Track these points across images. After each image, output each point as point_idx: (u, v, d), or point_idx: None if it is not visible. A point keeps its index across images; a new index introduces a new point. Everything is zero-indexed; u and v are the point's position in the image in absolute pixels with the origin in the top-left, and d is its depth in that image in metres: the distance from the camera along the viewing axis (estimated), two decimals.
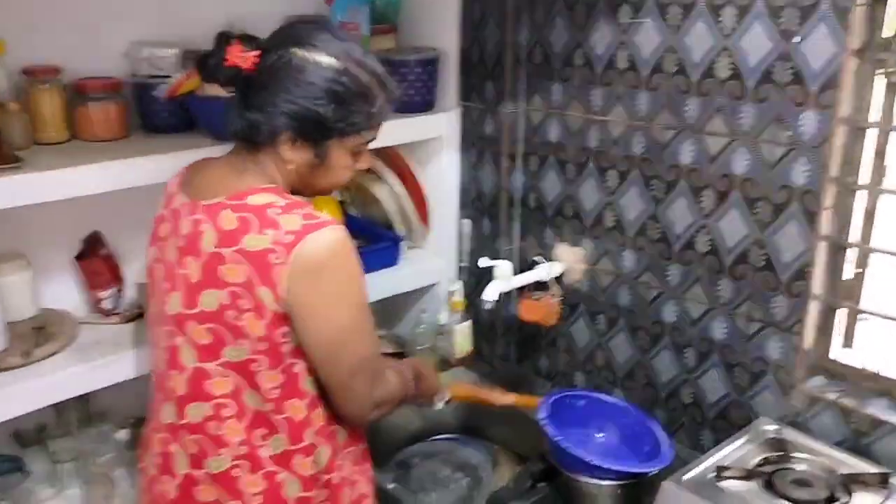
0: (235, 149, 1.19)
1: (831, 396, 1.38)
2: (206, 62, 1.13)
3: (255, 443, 1.15)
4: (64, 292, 1.64)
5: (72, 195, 1.38)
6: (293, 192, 1.19)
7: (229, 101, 1.46)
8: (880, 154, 1.34)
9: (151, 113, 1.60)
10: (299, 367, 1.14)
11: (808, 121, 1.31)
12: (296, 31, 1.14)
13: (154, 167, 1.45)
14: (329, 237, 1.08)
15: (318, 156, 1.15)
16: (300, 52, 1.10)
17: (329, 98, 1.10)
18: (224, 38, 1.12)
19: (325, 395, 1.19)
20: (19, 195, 1.32)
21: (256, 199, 1.10)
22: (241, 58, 1.10)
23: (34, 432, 1.61)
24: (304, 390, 1.15)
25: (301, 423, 1.16)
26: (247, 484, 1.15)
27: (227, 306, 1.08)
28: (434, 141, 1.88)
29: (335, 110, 1.11)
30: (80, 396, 1.57)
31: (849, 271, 1.39)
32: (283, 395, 1.14)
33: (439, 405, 1.47)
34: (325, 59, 1.10)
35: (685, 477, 1.27)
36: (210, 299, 1.09)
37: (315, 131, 1.12)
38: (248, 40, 1.12)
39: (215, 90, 1.48)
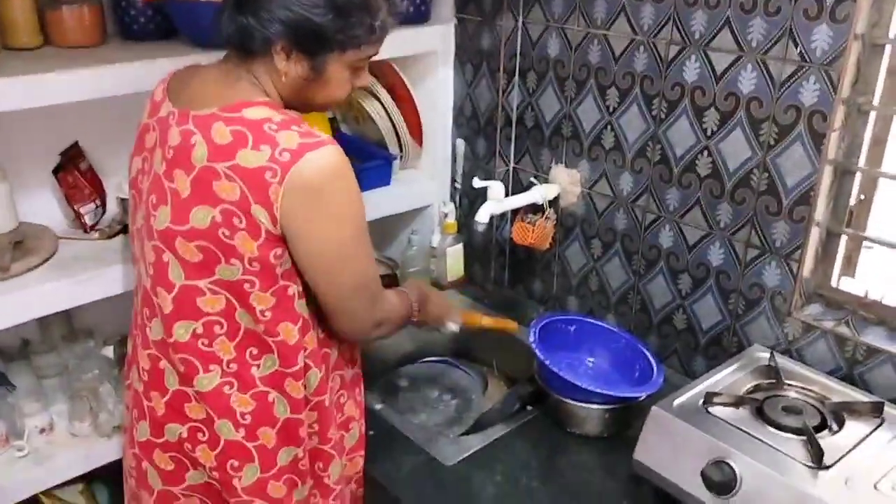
0: (227, 56, 1.12)
1: (827, 324, 1.35)
2: None
3: (246, 361, 1.13)
4: (43, 206, 1.59)
5: (46, 103, 1.32)
6: (287, 107, 1.13)
7: (217, 4, 1.40)
8: (894, 73, 1.27)
9: (128, 18, 1.52)
10: (293, 289, 1.11)
11: (821, 36, 1.24)
12: None
13: (133, 75, 1.39)
14: (327, 157, 1.03)
15: (315, 69, 1.08)
16: None
17: (328, 6, 1.04)
18: None
19: (319, 316, 1.17)
20: None
21: (252, 113, 1.04)
22: None
23: (18, 348, 1.59)
24: (297, 313, 1.13)
25: (293, 347, 1.13)
26: (236, 402, 1.14)
27: (219, 224, 1.04)
28: (429, 55, 1.80)
29: (334, 20, 1.04)
30: (64, 312, 1.55)
31: (854, 197, 1.34)
32: (274, 318, 1.11)
33: (453, 328, 1.45)
34: None
35: (675, 402, 1.25)
36: (201, 216, 1.05)
37: (312, 42, 1.06)
38: None
39: None
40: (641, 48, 1.48)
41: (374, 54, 1.14)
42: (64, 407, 1.59)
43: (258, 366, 1.13)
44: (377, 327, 1.22)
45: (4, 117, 1.30)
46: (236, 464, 1.17)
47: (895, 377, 1.28)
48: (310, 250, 1.08)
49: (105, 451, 1.55)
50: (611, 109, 1.57)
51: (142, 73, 1.39)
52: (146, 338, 1.18)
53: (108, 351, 1.69)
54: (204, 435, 1.16)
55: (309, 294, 1.14)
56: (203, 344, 1.12)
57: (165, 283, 1.11)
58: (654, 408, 1.25)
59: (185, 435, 1.16)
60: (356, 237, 1.11)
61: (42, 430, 1.53)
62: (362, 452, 1.34)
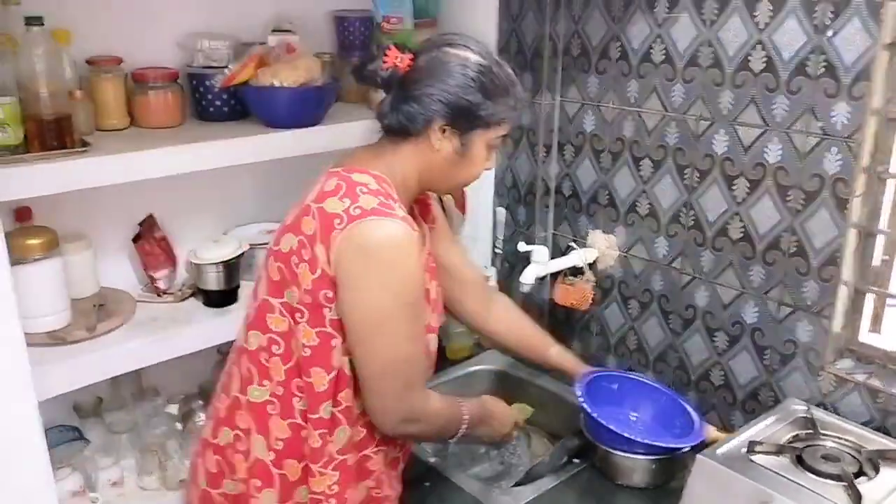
0: (379, 142, 1.27)
1: (859, 378, 1.43)
2: (364, 67, 1.23)
3: (291, 389, 1.22)
4: (121, 272, 1.72)
5: (134, 178, 1.45)
6: (429, 188, 1.30)
7: (288, 90, 1.57)
8: None
9: (205, 101, 1.68)
10: (336, 341, 1.19)
11: (841, 111, 1.36)
12: (446, 37, 1.26)
13: (209, 153, 1.53)
14: (388, 227, 1.14)
15: (464, 144, 1.23)
16: (451, 50, 1.21)
17: (478, 88, 1.19)
18: (379, 48, 1.24)
19: (356, 382, 1.23)
20: (87, 178, 1.39)
21: (358, 177, 1.20)
22: (399, 59, 1.20)
23: (91, 405, 1.69)
24: (332, 364, 1.19)
25: (319, 395, 1.20)
26: (275, 425, 1.23)
27: (294, 251, 1.18)
28: None
29: (483, 100, 1.20)
30: (134, 372, 1.66)
31: (878, 258, 1.44)
32: (312, 357, 1.19)
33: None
34: (473, 56, 1.21)
35: (719, 451, 1.32)
36: (286, 242, 1.20)
37: (465, 119, 1.21)
38: (402, 48, 1.22)
39: (268, 79, 1.58)
40: (673, 123, 1.62)
41: (509, 133, 1.30)
42: (133, 461, 1.68)
43: (299, 398, 1.22)
44: (407, 422, 1.24)
45: (90, 191, 1.43)
46: (259, 484, 1.25)
47: None
48: (350, 305, 1.16)
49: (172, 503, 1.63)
50: (645, 179, 1.70)
51: (218, 151, 1.54)
52: (236, 344, 1.31)
53: (173, 409, 1.79)
54: (243, 445, 1.25)
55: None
56: (264, 358, 1.24)
57: (256, 294, 1.26)
58: (699, 456, 1.32)
59: (231, 440, 1.26)
60: (397, 312, 1.17)
61: (114, 484, 1.62)
62: None
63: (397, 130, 1.23)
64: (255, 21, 1.77)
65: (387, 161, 1.24)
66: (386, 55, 1.20)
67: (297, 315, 1.19)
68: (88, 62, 1.56)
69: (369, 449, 1.29)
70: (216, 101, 1.67)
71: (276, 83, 1.55)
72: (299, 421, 1.23)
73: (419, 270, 1.21)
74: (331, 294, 1.17)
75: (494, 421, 1.45)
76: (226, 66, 1.64)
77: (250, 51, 1.62)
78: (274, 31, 1.72)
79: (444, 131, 1.21)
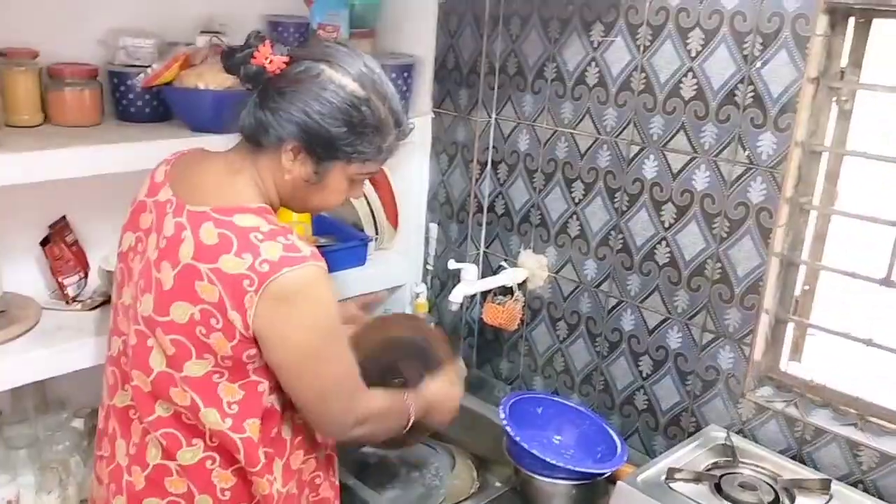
0: (237, 146, 1.19)
1: (778, 406, 1.45)
2: (233, 55, 1.13)
3: (227, 439, 1.14)
4: (27, 277, 1.62)
5: (42, 178, 1.37)
6: (282, 204, 1.20)
7: (213, 92, 1.49)
8: (832, 177, 1.42)
9: (126, 101, 1.60)
10: (263, 386, 1.14)
11: (766, 142, 1.38)
12: (329, 50, 1.14)
13: (126, 154, 1.46)
14: (304, 274, 1.08)
15: (318, 173, 1.15)
16: (328, 70, 1.11)
17: (343, 121, 1.11)
18: (257, 37, 1.12)
19: (286, 410, 1.19)
20: None
21: (242, 220, 1.09)
22: (270, 60, 1.10)
23: None
24: (262, 407, 1.15)
25: (256, 445, 1.15)
26: (217, 478, 1.16)
27: (197, 322, 1.09)
28: (407, 144, 1.89)
29: (346, 134, 1.12)
30: (37, 383, 1.56)
31: (799, 287, 1.46)
32: (242, 412, 1.13)
33: None
34: (350, 84, 1.11)
35: (639, 477, 1.31)
36: (181, 312, 1.09)
37: (321, 148, 1.13)
38: (280, 45, 1.13)
39: (192, 81, 1.52)
40: (605, 146, 1.62)
41: (375, 172, 1.23)
42: (32, 479, 1.57)
43: (238, 449, 1.15)
44: (359, 425, 1.23)
45: None
46: None
47: (840, 456, 1.37)
48: (281, 356, 1.11)
49: None
50: (576, 200, 1.69)
51: (135, 153, 1.46)
52: (137, 411, 1.19)
53: (79, 423, 1.69)
54: None
55: (279, 387, 1.16)
56: (186, 418, 1.15)
57: (144, 367, 1.15)
58: (619, 483, 1.31)
59: None
60: (327, 342, 1.14)
61: (9, 503, 1.52)
62: None
63: (250, 137, 1.15)
64: (183, 21, 1.70)
65: (248, 176, 1.14)
66: (258, 49, 1.10)
67: (215, 377, 1.11)
68: (0, 53, 1.47)
69: (299, 462, 1.24)
70: (137, 102, 1.60)
71: (201, 85, 1.49)
72: (242, 466, 1.16)
73: (334, 298, 1.15)
74: (253, 351, 1.11)
75: (441, 405, 1.41)
76: (149, 66, 1.57)
77: (175, 50, 1.56)
78: (203, 32, 1.66)
79: (298, 153, 1.12)
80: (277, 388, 1.16)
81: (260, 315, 1.07)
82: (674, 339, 1.57)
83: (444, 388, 1.43)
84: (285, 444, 1.21)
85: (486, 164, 1.85)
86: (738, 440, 1.45)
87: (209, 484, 1.16)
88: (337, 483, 1.36)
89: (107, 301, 1.62)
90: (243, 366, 1.12)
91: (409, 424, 1.33)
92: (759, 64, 1.37)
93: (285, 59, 1.11)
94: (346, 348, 1.20)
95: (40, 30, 1.53)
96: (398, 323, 1.65)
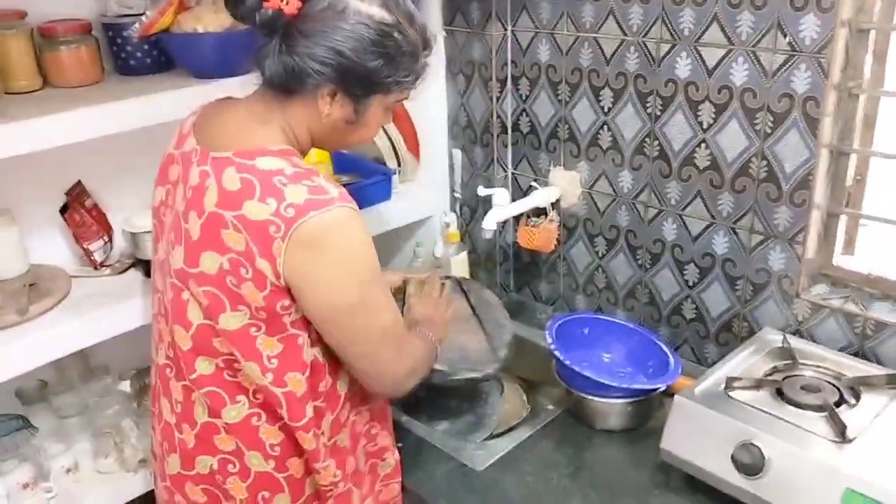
0: (262, 94, 1.11)
1: (835, 303, 1.39)
2: (242, 2, 1.04)
3: (270, 395, 1.12)
4: (53, 247, 1.59)
5: (51, 145, 1.32)
6: (316, 145, 1.14)
7: (216, 35, 1.41)
8: (880, 57, 1.32)
9: (125, 54, 1.53)
10: (302, 339, 1.10)
11: (809, 25, 1.28)
12: None
13: (134, 110, 1.40)
14: (332, 217, 1.02)
15: (357, 111, 1.09)
16: (352, 2, 1.03)
17: (379, 54, 1.04)
18: None
19: (332, 365, 1.16)
20: None
21: (264, 163, 1.04)
22: (286, 1, 1.02)
23: (36, 390, 1.59)
24: (304, 361, 1.11)
25: (301, 399, 1.11)
26: (265, 434, 1.14)
27: (227, 272, 1.04)
28: None
29: (384, 66, 1.05)
30: (79, 351, 1.55)
31: (850, 178, 1.39)
32: (281, 366, 1.10)
33: None
34: (378, 12, 1.04)
35: (697, 389, 1.28)
36: (210, 262, 1.05)
37: (360, 86, 1.07)
38: None
39: (191, 25, 1.44)
40: (632, 48, 1.52)
41: (410, 96, 1.17)
42: (88, 445, 1.59)
43: (280, 405, 1.12)
44: (411, 375, 1.19)
45: (7, 162, 1.30)
46: (268, 495, 1.17)
47: None
48: (319, 303, 1.06)
49: (132, 486, 1.56)
50: (606, 110, 1.61)
51: (142, 108, 1.41)
52: (180, 369, 1.17)
53: (125, 385, 1.69)
54: (235, 467, 1.16)
55: (321, 342, 1.13)
56: (228, 375, 1.12)
57: (183, 321, 1.11)
58: (677, 396, 1.28)
59: (216, 467, 1.16)
60: (366, 290, 1.09)
61: (68, 470, 1.53)
62: (398, 479, 1.34)
63: (278, 85, 1.07)
64: None
65: (277, 124, 1.09)
66: None
67: (252, 330, 1.07)
68: None
69: (351, 417, 1.22)
70: (136, 53, 1.52)
71: (200, 28, 1.41)
72: (286, 422, 1.13)
73: (370, 242, 1.09)
74: (287, 303, 1.06)
75: (437, 321, 1.38)
76: (142, 14, 1.49)
77: None
78: None
79: (334, 95, 1.07)
80: (320, 340, 1.12)
81: (290, 263, 1.02)
82: (720, 245, 1.51)
83: (427, 306, 1.41)
84: (338, 399, 1.18)
85: (505, 80, 1.76)
86: (795, 342, 1.40)
87: (257, 440, 1.14)
88: (393, 431, 1.34)
89: (135, 263, 1.59)
90: (279, 318, 1.07)
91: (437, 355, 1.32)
92: None
93: None
94: (387, 294, 1.15)
95: None
96: None
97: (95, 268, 1.58)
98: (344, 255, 1.05)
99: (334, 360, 1.15)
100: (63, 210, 1.56)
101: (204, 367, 1.12)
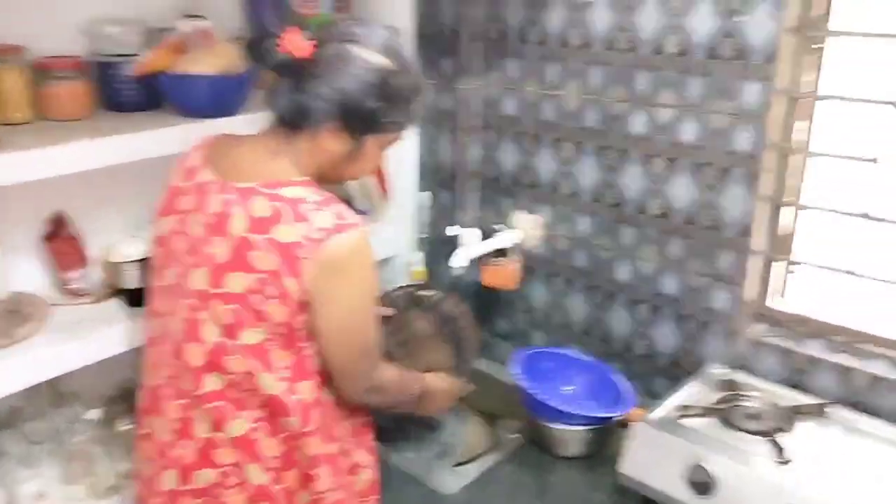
0: (273, 130, 1.21)
1: (772, 340, 1.54)
2: (258, 45, 1.15)
3: (276, 407, 1.19)
4: (31, 274, 1.62)
5: (41, 176, 1.36)
6: (319, 178, 1.24)
7: (209, 77, 1.49)
8: (809, 120, 1.49)
9: (115, 91, 1.59)
10: (309, 350, 1.20)
11: (751, 92, 1.45)
12: (353, 29, 1.18)
13: (123, 145, 1.45)
14: (355, 238, 1.15)
15: (356, 147, 1.20)
16: (356, 49, 1.15)
17: (379, 96, 1.15)
18: (276, 25, 1.15)
19: (326, 376, 1.25)
20: None
21: (290, 192, 1.14)
22: (298, 46, 1.13)
23: (6, 415, 1.59)
24: (313, 370, 1.21)
25: (311, 404, 1.21)
26: (266, 447, 1.20)
27: (253, 290, 1.13)
28: None
29: (382, 107, 1.17)
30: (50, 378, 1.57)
31: (784, 227, 1.55)
32: (293, 376, 1.19)
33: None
34: (379, 59, 1.16)
35: (652, 416, 1.40)
36: (236, 282, 1.14)
37: (360, 124, 1.18)
38: (304, 32, 1.15)
39: (185, 67, 1.52)
40: (592, 105, 1.67)
41: (403, 136, 1.28)
42: (57, 472, 1.59)
43: (287, 417, 1.20)
44: (371, 392, 1.30)
45: None
46: None
47: (833, 381, 1.47)
48: (331, 316, 1.17)
49: None
50: (566, 160, 1.75)
51: (131, 143, 1.46)
52: (178, 389, 1.23)
53: (95, 413, 1.71)
54: (234, 479, 1.21)
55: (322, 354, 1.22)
56: (235, 391, 1.19)
57: (198, 338, 1.18)
58: (635, 423, 1.39)
59: (215, 480, 1.22)
60: (369, 304, 1.23)
61: (38, 497, 1.53)
62: (376, 497, 1.40)
63: (287, 122, 1.19)
64: (161, 5, 1.68)
65: (288, 158, 1.19)
66: (283, 37, 1.13)
67: (267, 344, 1.16)
68: None
69: (337, 429, 1.29)
70: (127, 90, 1.58)
71: (196, 71, 1.49)
72: (290, 432, 1.21)
73: (375, 263, 1.22)
74: (304, 318, 1.16)
75: (440, 395, 1.49)
76: (135, 54, 1.56)
77: (164, 37, 1.55)
78: (186, 16, 1.65)
79: (336, 131, 1.18)
80: (319, 351, 1.21)
81: (314, 280, 1.13)
82: (669, 286, 1.65)
83: (444, 385, 1.51)
84: (329, 406, 1.26)
85: (473, 130, 1.89)
86: (738, 375, 1.54)
87: (257, 453, 1.20)
88: (374, 448, 1.41)
89: (115, 292, 1.63)
90: (294, 332, 1.17)
91: (412, 402, 1.42)
92: (740, 17, 1.43)
93: (313, 43, 1.14)
94: (377, 315, 1.26)
95: (20, 24, 1.50)
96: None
97: (74, 296, 1.61)
98: (361, 276, 1.18)
99: (322, 371, 1.24)
100: (45, 238, 1.59)
101: (213, 383, 1.19)
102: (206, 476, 1.22)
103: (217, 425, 1.20)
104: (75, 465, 1.58)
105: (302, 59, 1.13)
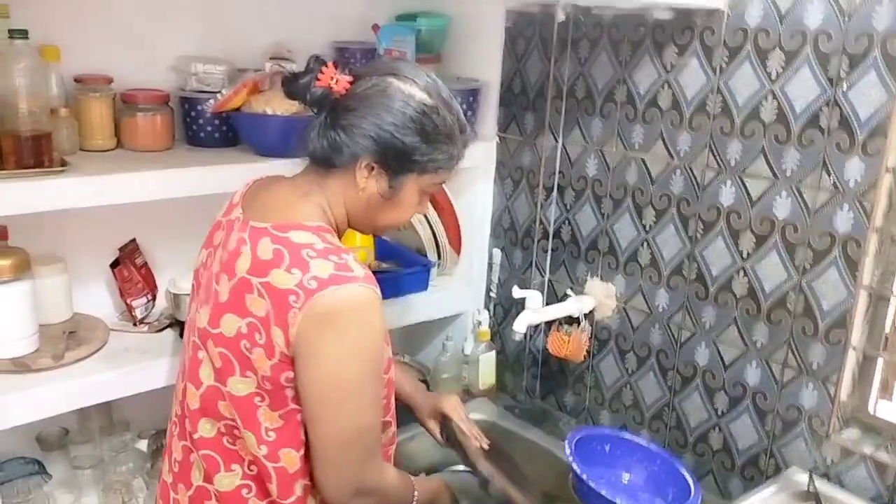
0: (306, 171, 1.17)
1: (866, 450, 1.35)
2: (296, 81, 1.12)
3: (265, 469, 1.12)
4: (97, 298, 1.65)
5: (114, 202, 1.39)
6: (351, 225, 1.19)
7: (278, 118, 1.49)
8: None
9: (196, 126, 1.63)
10: (301, 416, 1.11)
11: (854, 167, 1.30)
12: (393, 65, 1.16)
13: (195, 178, 1.48)
14: (351, 293, 1.04)
15: (393, 187, 1.13)
16: (396, 82, 1.10)
17: (416, 131, 1.10)
18: (317, 60, 1.12)
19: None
20: (63, 199, 1.33)
21: (297, 237, 1.08)
22: (335, 80, 1.10)
23: (56, 437, 1.61)
24: (301, 440, 1.12)
25: (292, 476, 1.12)
26: None
27: (242, 335, 1.07)
28: (471, 169, 1.89)
29: (420, 144, 1.11)
30: (104, 403, 1.57)
31: (889, 323, 1.37)
32: (279, 440, 1.10)
33: None
34: (419, 94, 1.11)
35: None
36: (230, 325, 1.08)
37: (396, 161, 1.11)
38: (342, 66, 1.12)
39: (261, 107, 1.53)
40: (678, 171, 1.56)
41: (445, 181, 1.21)
42: (96, 499, 1.59)
43: (271, 481, 1.12)
44: (361, 495, 1.13)
45: (71, 213, 1.37)
46: None
47: None
48: (311, 378, 1.06)
49: None
50: (647, 227, 1.63)
51: (203, 177, 1.48)
52: (183, 429, 1.19)
53: (143, 444, 1.70)
54: None
55: None
56: (227, 441, 1.14)
57: (195, 379, 1.14)
58: None
59: None
60: (362, 379, 1.08)
61: None
62: None
63: (319, 160, 1.13)
64: (252, 47, 1.72)
65: (316, 200, 1.13)
66: (322, 72, 1.10)
67: (256, 399, 1.09)
68: (76, 80, 1.51)
69: None
70: (207, 127, 1.62)
71: (269, 111, 1.50)
72: (275, 498, 1.13)
73: (383, 330, 1.11)
74: (291, 374, 1.08)
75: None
76: (218, 92, 1.59)
77: (244, 77, 1.57)
78: (272, 58, 1.68)
79: (371, 169, 1.12)
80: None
81: (301, 333, 1.04)
82: (752, 375, 1.49)
83: (449, 496, 1.37)
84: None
85: (552, 189, 1.81)
86: (822, 485, 1.35)
87: None
88: None
89: (172, 324, 1.64)
90: (282, 390, 1.09)
91: None
92: (845, 86, 1.30)
93: (350, 78, 1.11)
94: (379, 397, 1.14)
95: (114, 57, 1.57)
96: None
97: (135, 324, 1.62)
98: (352, 333, 1.06)
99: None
100: (114, 265, 1.62)
101: (207, 429, 1.14)
102: None
103: (208, 476, 1.15)
104: (114, 494, 1.57)
105: (339, 93, 1.10)
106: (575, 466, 1.40)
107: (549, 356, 1.82)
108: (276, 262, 1.06)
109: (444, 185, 1.86)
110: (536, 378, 1.93)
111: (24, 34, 1.28)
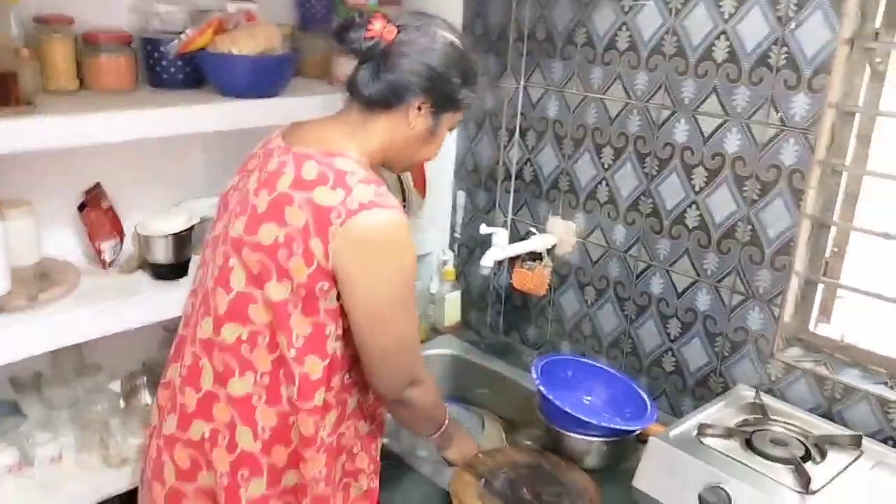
0: (346, 114, 1.23)
1: (807, 365, 1.46)
2: (346, 33, 1.18)
3: (279, 377, 1.19)
4: (65, 242, 1.65)
5: (81, 142, 1.39)
6: (386, 164, 1.27)
7: (249, 58, 1.51)
8: (864, 139, 1.42)
9: (159, 68, 1.62)
10: (329, 329, 1.18)
11: (799, 103, 1.39)
12: (427, 15, 1.24)
13: (160, 120, 1.48)
14: (388, 219, 1.13)
15: (434, 124, 1.23)
16: (438, 31, 1.20)
17: (459, 72, 1.21)
18: (363, 15, 1.19)
19: (353, 362, 1.24)
20: (30, 139, 1.33)
21: (342, 164, 1.16)
22: (386, 29, 1.16)
23: (30, 379, 1.62)
24: (326, 352, 1.19)
25: (314, 383, 1.19)
26: (261, 414, 1.19)
27: (280, 244, 1.14)
28: None
29: (461, 84, 1.22)
30: (75, 346, 1.59)
31: (829, 249, 1.47)
32: (306, 346, 1.17)
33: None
34: (456, 39, 1.22)
35: (671, 433, 1.34)
36: (268, 233, 1.15)
37: (442, 100, 1.21)
38: (388, 18, 1.19)
39: (226, 46, 1.53)
40: (635, 111, 1.62)
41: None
42: (73, 439, 1.61)
43: (288, 386, 1.19)
44: (413, 385, 1.27)
45: (35, 156, 1.36)
46: (246, 474, 1.21)
47: (870, 414, 1.39)
48: (355, 301, 1.16)
49: (114, 483, 1.57)
50: (605, 166, 1.70)
51: (168, 118, 1.49)
52: (195, 335, 1.25)
53: (116, 385, 1.73)
54: (224, 439, 1.21)
55: (348, 337, 1.21)
56: (245, 350, 1.19)
57: (225, 285, 1.20)
58: (652, 438, 1.33)
59: (207, 435, 1.21)
60: (399, 301, 1.18)
61: (52, 460, 1.55)
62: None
63: (376, 102, 1.20)
64: None
65: (359, 139, 1.21)
66: (371, 23, 1.16)
67: (289, 306, 1.16)
68: (37, 20, 1.49)
69: (343, 425, 1.28)
70: (170, 68, 1.61)
71: (235, 50, 1.51)
72: (286, 409, 1.20)
73: (414, 255, 1.21)
74: (327, 286, 1.15)
75: (463, 442, 1.50)
76: (182, 32, 1.59)
77: (208, 16, 1.57)
78: None
79: (420, 108, 1.20)
80: (343, 336, 1.20)
81: (341, 250, 1.12)
82: (703, 302, 1.59)
83: (465, 444, 1.51)
84: (344, 405, 1.25)
85: (514, 131, 1.86)
86: (767, 399, 1.47)
87: (252, 419, 1.20)
88: (377, 458, 1.38)
89: (143, 265, 1.65)
90: (316, 300, 1.15)
91: (439, 432, 1.41)
92: (792, 25, 1.37)
93: (396, 28, 1.18)
94: (415, 313, 1.24)
95: None
96: None
97: (104, 266, 1.63)
98: (393, 254, 1.16)
99: (346, 363, 1.22)
100: (80, 208, 1.62)
101: (228, 333, 1.19)
102: (199, 428, 1.22)
103: (221, 379, 1.20)
104: (91, 433, 1.60)
105: (388, 41, 1.17)
106: (542, 388, 1.49)
107: (511, 293, 1.90)
108: (321, 180, 1.14)
109: None
110: (500, 314, 2.00)
111: None
